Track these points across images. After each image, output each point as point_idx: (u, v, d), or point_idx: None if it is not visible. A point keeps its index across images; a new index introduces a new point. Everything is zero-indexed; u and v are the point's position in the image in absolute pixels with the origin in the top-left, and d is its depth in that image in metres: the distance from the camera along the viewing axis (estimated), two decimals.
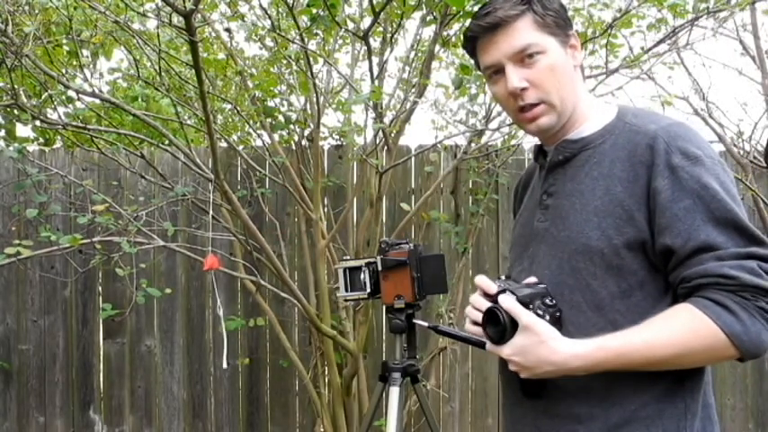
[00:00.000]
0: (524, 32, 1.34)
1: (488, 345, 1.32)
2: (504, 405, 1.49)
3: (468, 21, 1.45)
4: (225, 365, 2.81)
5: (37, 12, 3.00)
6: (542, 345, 1.25)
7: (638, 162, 1.28)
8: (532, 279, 1.36)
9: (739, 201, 1.28)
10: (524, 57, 1.34)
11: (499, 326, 1.28)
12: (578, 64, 1.40)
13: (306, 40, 3.03)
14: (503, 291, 1.30)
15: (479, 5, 1.94)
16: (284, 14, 3.26)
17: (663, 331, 1.23)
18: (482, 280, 1.36)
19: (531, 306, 1.28)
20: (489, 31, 1.36)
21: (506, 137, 3.76)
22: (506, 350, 1.28)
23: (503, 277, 1.38)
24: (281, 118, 3.53)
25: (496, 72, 1.38)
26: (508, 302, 1.27)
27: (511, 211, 3.91)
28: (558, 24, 1.36)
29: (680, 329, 1.23)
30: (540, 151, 1.50)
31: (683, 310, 1.24)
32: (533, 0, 1.35)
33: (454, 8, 2.65)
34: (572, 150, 1.39)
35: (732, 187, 1.28)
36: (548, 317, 1.28)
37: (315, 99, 3.33)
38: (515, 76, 1.34)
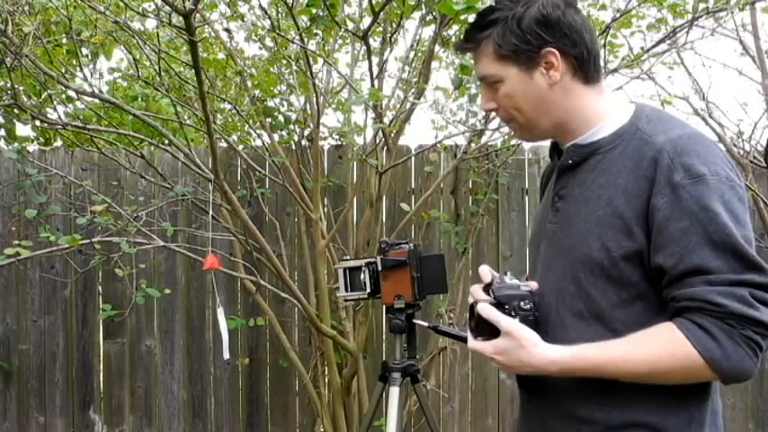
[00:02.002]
0: (484, 62, 1.38)
1: (470, 342, 1.34)
2: (519, 403, 1.52)
3: (467, 19, 1.50)
4: (227, 356, 2.80)
5: (37, 11, 2.99)
6: (522, 349, 1.27)
7: (641, 175, 1.26)
8: (533, 285, 1.37)
9: (745, 221, 1.25)
10: (487, 82, 1.40)
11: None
12: (554, 82, 1.35)
13: (305, 40, 3.03)
14: (488, 286, 1.36)
15: (473, 10, 1.96)
16: (284, 15, 3.26)
17: (641, 348, 1.24)
18: (482, 270, 1.42)
19: (506, 306, 1.30)
20: (464, 53, 1.48)
21: (506, 137, 3.76)
22: (489, 349, 1.30)
23: (508, 273, 1.40)
24: (280, 118, 3.53)
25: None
26: (487, 311, 1.30)
27: (511, 211, 3.96)
28: (520, 51, 1.34)
29: (658, 349, 1.24)
30: (555, 149, 1.49)
31: (666, 329, 1.24)
32: (497, 26, 1.35)
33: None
34: (581, 155, 1.37)
35: (738, 208, 1.24)
36: (518, 318, 1.30)
37: (314, 99, 3.33)
38: (483, 98, 1.43)
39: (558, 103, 1.37)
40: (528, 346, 1.27)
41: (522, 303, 1.31)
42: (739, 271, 1.20)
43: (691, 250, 1.21)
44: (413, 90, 3.38)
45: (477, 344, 1.33)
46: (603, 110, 1.38)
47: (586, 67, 1.37)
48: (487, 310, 1.29)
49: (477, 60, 1.40)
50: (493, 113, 1.71)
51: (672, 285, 1.24)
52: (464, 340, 1.46)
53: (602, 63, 1.48)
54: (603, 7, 3.27)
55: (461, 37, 1.42)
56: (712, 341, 1.20)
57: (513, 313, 1.30)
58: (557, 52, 1.34)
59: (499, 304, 1.30)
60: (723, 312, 1.19)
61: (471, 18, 1.87)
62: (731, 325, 1.19)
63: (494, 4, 1.39)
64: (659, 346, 1.23)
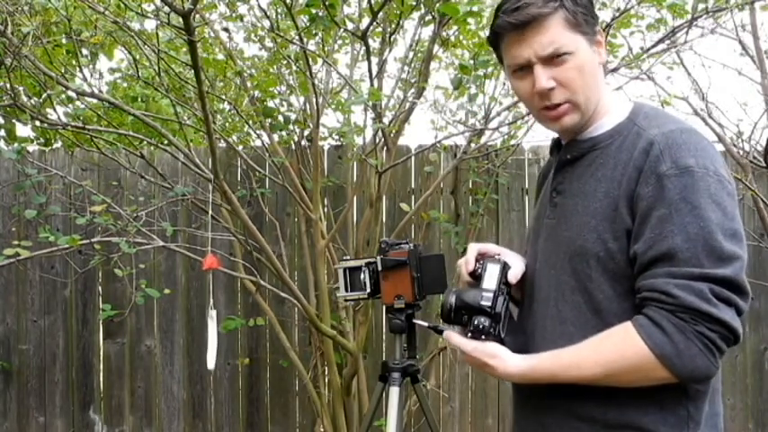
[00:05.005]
0: (555, 32, 1.30)
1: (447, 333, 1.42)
2: (513, 402, 1.52)
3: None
4: (211, 365, 2.78)
5: (37, 12, 2.99)
6: (485, 366, 1.34)
7: (633, 166, 1.27)
8: (513, 276, 1.41)
9: (734, 215, 1.24)
10: (553, 56, 1.31)
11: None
12: (603, 61, 1.37)
13: (305, 40, 3.03)
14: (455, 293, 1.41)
15: (476, 14, 1.93)
16: (283, 15, 3.26)
17: (593, 352, 1.26)
18: (470, 251, 1.47)
19: (464, 314, 1.37)
20: (519, 28, 1.31)
21: (506, 137, 3.76)
22: (462, 357, 1.39)
23: (497, 257, 1.45)
24: (280, 118, 3.53)
25: (522, 68, 1.35)
26: (452, 341, 1.38)
27: (511, 211, 3.96)
28: (588, 22, 1.33)
29: (609, 349, 1.24)
30: (557, 145, 1.49)
31: (620, 329, 1.25)
32: None
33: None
34: (581, 150, 1.38)
35: (727, 201, 1.23)
36: (470, 334, 1.36)
37: (314, 99, 3.33)
38: (544, 76, 1.31)
39: (601, 84, 1.38)
40: (490, 362, 1.33)
41: (475, 321, 1.35)
42: (706, 265, 1.19)
43: (663, 238, 1.21)
44: (412, 90, 3.38)
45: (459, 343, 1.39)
46: (608, 104, 1.39)
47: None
48: (452, 340, 1.37)
49: (543, 31, 1.30)
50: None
51: (639, 275, 1.24)
52: None
53: None
54: (604, 5, 3.27)
55: (519, 9, 1.30)
56: (663, 335, 1.19)
57: (467, 323, 1.36)
58: (601, 31, 1.36)
59: (458, 309, 1.37)
60: (676, 305, 1.18)
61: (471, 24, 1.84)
62: (684, 320, 1.18)
63: None
64: (611, 347, 1.24)
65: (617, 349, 1.23)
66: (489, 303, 1.35)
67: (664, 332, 1.19)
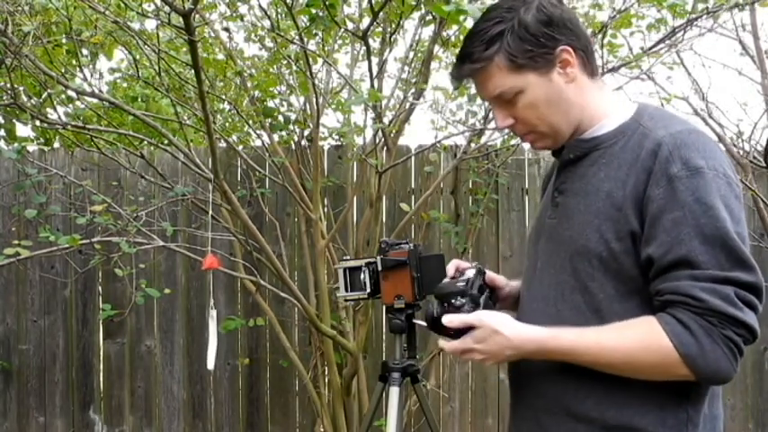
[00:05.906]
0: (497, 78, 1.34)
1: (448, 345, 1.39)
2: (510, 401, 1.51)
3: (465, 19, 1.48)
4: (211, 366, 2.78)
5: (37, 12, 2.99)
6: (497, 334, 1.31)
7: (640, 167, 1.26)
8: (468, 274, 1.46)
9: (740, 218, 1.24)
10: (502, 97, 1.36)
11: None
12: (572, 79, 1.35)
13: (305, 40, 3.03)
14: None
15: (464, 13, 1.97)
16: (283, 15, 3.26)
17: (617, 338, 1.25)
18: (448, 268, 1.55)
19: (445, 304, 1.38)
20: (466, 77, 1.40)
21: (506, 137, 3.76)
22: (469, 341, 1.34)
23: (474, 264, 1.52)
24: (280, 118, 3.53)
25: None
26: (454, 321, 1.35)
27: (511, 211, 3.96)
28: (536, 56, 1.32)
29: (633, 339, 1.24)
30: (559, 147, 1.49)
31: (646, 322, 1.24)
32: (506, 36, 1.31)
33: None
34: (583, 150, 1.38)
35: (734, 204, 1.24)
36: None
37: (314, 99, 3.33)
38: (499, 116, 1.40)
39: (576, 101, 1.37)
40: (501, 329, 1.30)
41: (454, 301, 1.37)
42: (726, 268, 1.19)
43: (680, 241, 1.20)
44: (412, 90, 3.38)
45: (454, 343, 1.36)
46: (606, 106, 1.39)
47: (591, 60, 1.39)
48: (454, 320, 1.35)
49: (485, 79, 1.35)
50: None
51: (658, 278, 1.24)
52: None
53: (597, 60, 1.48)
54: (600, 7, 3.27)
55: (459, 63, 1.38)
56: (690, 336, 1.19)
57: (449, 310, 1.37)
58: (569, 49, 1.34)
59: (441, 303, 1.38)
60: (704, 308, 1.18)
61: (469, 21, 1.86)
62: (712, 323, 1.18)
63: (482, 20, 1.36)
64: (636, 338, 1.24)
65: (640, 341, 1.23)
66: (464, 284, 1.40)
67: (691, 333, 1.19)
